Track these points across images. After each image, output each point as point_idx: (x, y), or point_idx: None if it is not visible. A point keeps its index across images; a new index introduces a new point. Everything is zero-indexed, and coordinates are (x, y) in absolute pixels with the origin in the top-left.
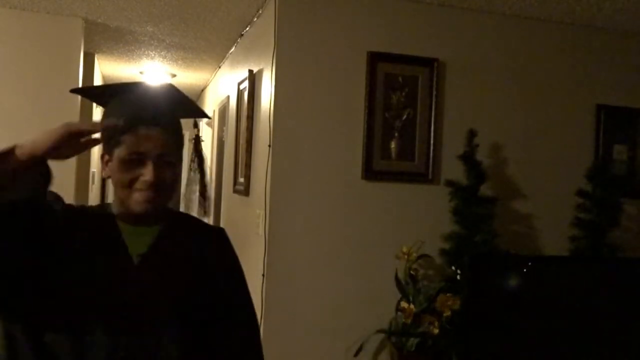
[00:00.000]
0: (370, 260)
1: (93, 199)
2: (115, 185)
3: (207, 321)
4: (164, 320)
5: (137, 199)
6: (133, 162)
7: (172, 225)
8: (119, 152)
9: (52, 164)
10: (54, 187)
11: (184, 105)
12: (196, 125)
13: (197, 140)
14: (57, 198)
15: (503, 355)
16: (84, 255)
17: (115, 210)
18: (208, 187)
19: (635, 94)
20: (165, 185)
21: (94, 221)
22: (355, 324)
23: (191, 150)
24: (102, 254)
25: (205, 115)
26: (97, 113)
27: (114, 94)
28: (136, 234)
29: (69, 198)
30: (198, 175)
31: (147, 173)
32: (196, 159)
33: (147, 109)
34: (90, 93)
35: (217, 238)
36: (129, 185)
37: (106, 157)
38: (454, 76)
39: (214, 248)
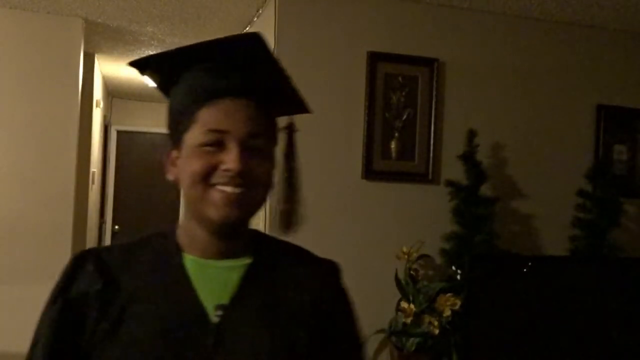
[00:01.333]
0: (370, 260)
1: (93, 199)
2: (186, 185)
3: None
4: None
5: (215, 199)
6: (209, 146)
7: (267, 258)
8: (192, 136)
9: (52, 164)
10: (54, 188)
11: (280, 81)
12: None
13: (290, 130)
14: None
15: (503, 355)
16: (139, 324)
17: (182, 236)
18: (299, 198)
19: (635, 94)
20: (255, 180)
21: (146, 266)
22: None
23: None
24: (163, 316)
25: (305, 109)
26: (98, 113)
27: (189, 62)
28: (213, 273)
29: (68, 198)
30: (287, 182)
31: (229, 159)
32: (287, 157)
33: (232, 72)
34: (153, 64)
35: (332, 280)
36: (204, 178)
37: (173, 153)
38: (454, 76)
39: (328, 298)
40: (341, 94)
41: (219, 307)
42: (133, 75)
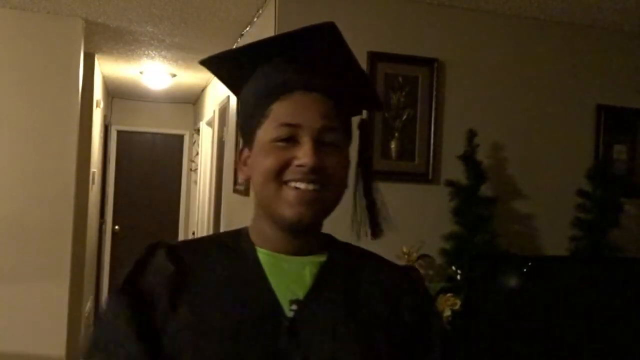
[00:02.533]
0: None
1: (93, 199)
2: (258, 182)
3: None
4: None
5: (289, 197)
6: (282, 141)
7: (342, 258)
8: (263, 132)
9: (52, 164)
10: (54, 188)
11: (355, 75)
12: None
13: (363, 128)
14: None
15: (503, 355)
16: (214, 318)
17: (254, 234)
18: (377, 202)
19: (635, 94)
20: (330, 178)
21: (219, 260)
22: None
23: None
24: (238, 310)
25: (377, 106)
26: (98, 113)
27: (260, 58)
28: (287, 268)
29: (68, 198)
30: (361, 182)
31: (303, 154)
32: (362, 156)
33: (305, 65)
34: (226, 62)
35: (408, 281)
36: (277, 175)
37: (245, 151)
38: (454, 76)
39: (403, 297)
40: None
41: (293, 301)
42: (133, 75)
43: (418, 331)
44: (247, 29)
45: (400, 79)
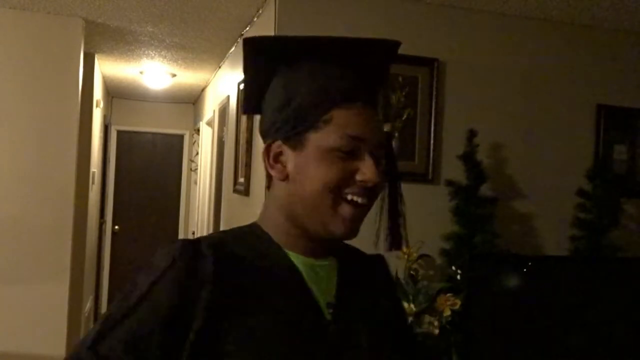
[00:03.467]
0: None
1: (93, 199)
2: (308, 191)
3: None
4: None
5: (344, 212)
6: (343, 152)
7: (343, 259)
8: (323, 137)
9: (52, 164)
10: (54, 188)
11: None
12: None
13: (390, 138)
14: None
15: (503, 355)
16: (257, 317)
17: (279, 234)
18: (402, 211)
19: (635, 93)
20: (378, 193)
21: (254, 256)
22: None
23: None
24: (285, 316)
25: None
26: (98, 113)
27: (307, 56)
28: (320, 272)
29: (68, 198)
30: (386, 191)
31: (367, 170)
32: (388, 167)
33: (365, 75)
34: (271, 49)
35: (384, 269)
36: (337, 188)
37: (284, 147)
38: (454, 76)
39: (385, 283)
40: None
41: (329, 305)
42: (133, 75)
43: (399, 313)
44: (247, 28)
45: (400, 78)
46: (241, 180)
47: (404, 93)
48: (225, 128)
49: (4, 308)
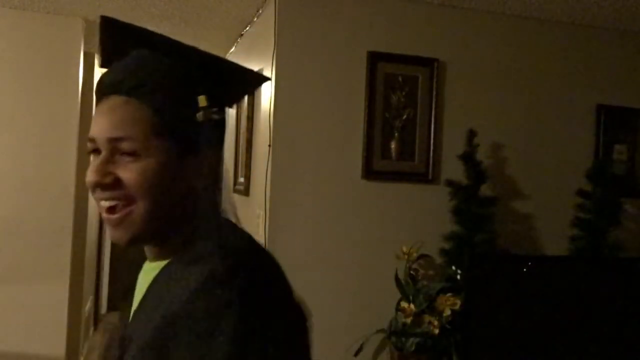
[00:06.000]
0: (370, 260)
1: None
2: None
3: None
4: None
5: (105, 219)
6: (93, 155)
7: (180, 259)
8: None
9: (52, 164)
10: (54, 188)
11: (171, 55)
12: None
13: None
14: None
15: (503, 355)
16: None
17: None
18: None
19: (635, 94)
20: (133, 191)
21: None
22: (355, 324)
23: None
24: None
25: (256, 79)
26: None
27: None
28: (143, 278)
29: (68, 198)
30: None
31: (89, 170)
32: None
33: (111, 67)
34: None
35: (198, 282)
36: (92, 192)
37: None
38: (454, 76)
39: (191, 303)
40: (341, 93)
41: (134, 311)
42: None
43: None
44: (247, 28)
45: (400, 78)
46: (241, 180)
47: (404, 93)
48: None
49: (4, 308)
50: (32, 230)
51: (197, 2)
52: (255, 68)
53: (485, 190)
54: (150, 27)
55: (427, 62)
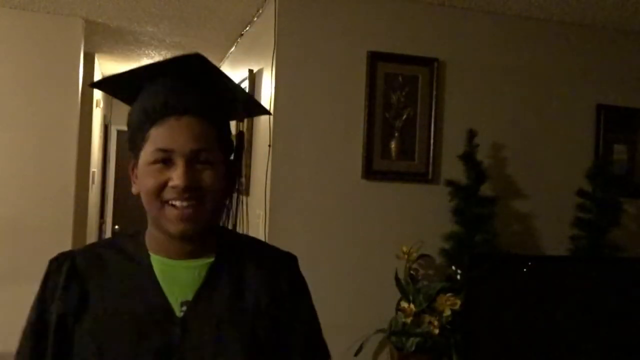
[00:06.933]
0: (370, 260)
1: (93, 199)
2: (144, 200)
3: None
4: None
5: (170, 214)
6: (160, 163)
7: (229, 256)
8: (144, 154)
9: (52, 164)
10: (54, 188)
11: (228, 91)
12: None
13: (240, 138)
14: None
15: (503, 355)
16: (113, 320)
17: (149, 239)
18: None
19: (635, 93)
20: (205, 193)
21: (117, 267)
22: (355, 324)
23: None
24: (134, 312)
25: (264, 111)
26: (98, 113)
27: (141, 82)
28: (181, 273)
29: (68, 198)
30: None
31: (176, 176)
32: (234, 162)
33: (178, 91)
34: (111, 84)
35: (288, 272)
36: (157, 195)
37: (133, 166)
38: (454, 76)
39: (283, 286)
40: (341, 93)
41: (183, 303)
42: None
43: (293, 313)
44: (247, 28)
45: (400, 78)
46: (241, 180)
47: (404, 93)
48: None
49: (4, 308)
50: (32, 230)
51: (197, 2)
52: (255, 68)
53: (485, 190)
54: (150, 27)
55: (427, 62)
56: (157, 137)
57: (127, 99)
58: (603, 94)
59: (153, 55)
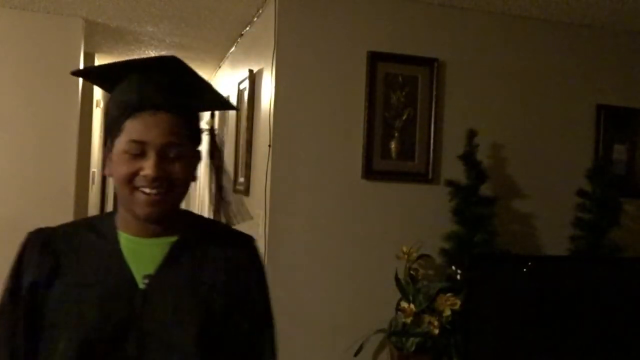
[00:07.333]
0: (370, 260)
1: (93, 199)
2: (116, 184)
3: (231, 351)
4: (180, 355)
5: (139, 199)
6: (133, 154)
7: (190, 235)
8: (119, 142)
9: (52, 164)
10: (54, 188)
11: (200, 90)
12: (213, 116)
13: (211, 132)
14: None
15: (503, 355)
16: (81, 290)
17: (119, 219)
18: (225, 189)
19: (635, 94)
20: (173, 182)
21: (87, 243)
22: (355, 324)
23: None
24: (101, 283)
25: (232, 107)
26: (98, 113)
27: (121, 75)
28: (145, 250)
29: (68, 198)
30: (213, 175)
31: (147, 166)
32: (212, 156)
33: (153, 88)
34: (93, 75)
35: (246, 249)
36: (129, 181)
37: (108, 151)
38: (454, 76)
39: (240, 263)
40: (341, 93)
41: (145, 276)
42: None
43: (248, 289)
44: (247, 28)
45: (400, 78)
46: (241, 180)
47: (404, 93)
48: (225, 128)
49: None
50: None
51: (197, 2)
52: (255, 68)
53: (485, 190)
54: (150, 27)
55: (427, 62)
56: (132, 130)
57: (107, 89)
58: (603, 94)
59: (153, 55)
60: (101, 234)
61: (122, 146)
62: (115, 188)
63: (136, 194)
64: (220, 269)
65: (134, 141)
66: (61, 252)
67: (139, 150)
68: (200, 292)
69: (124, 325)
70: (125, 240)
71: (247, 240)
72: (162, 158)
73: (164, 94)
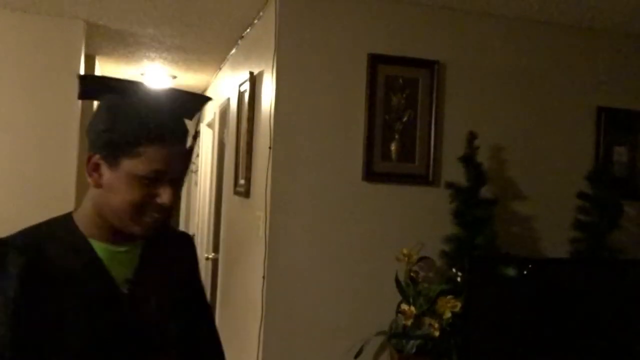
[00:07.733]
0: (371, 262)
1: None
2: (115, 203)
3: (194, 337)
4: (167, 349)
5: (145, 223)
6: (149, 180)
7: (153, 239)
8: (134, 165)
9: (53, 165)
10: (55, 190)
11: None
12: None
13: (195, 137)
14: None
15: (504, 357)
16: (65, 302)
17: (83, 226)
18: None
19: (636, 96)
20: (173, 207)
21: (61, 251)
22: (356, 326)
23: None
24: (84, 293)
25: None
26: None
27: (111, 90)
28: (122, 256)
29: (69, 198)
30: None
31: (165, 195)
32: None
33: (174, 117)
34: (86, 81)
35: (190, 246)
36: (140, 206)
37: (101, 162)
38: (454, 78)
39: (189, 258)
40: (342, 95)
41: (126, 281)
42: (134, 77)
43: (196, 281)
44: (248, 30)
45: (400, 80)
46: (242, 182)
47: (404, 95)
48: (225, 130)
49: None
50: None
51: (198, 4)
52: (256, 70)
53: (485, 192)
54: (151, 30)
55: (427, 64)
56: (155, 158)
57: (92, 94)
58: (603, 96)
59: (154, 57)
60: (72, 246)
61: (138, 170)
62: (98, 196)
63: (143, 218)
64: (181, 266)
65: (157, 170)
66: (38, 280)
67: (155, 178)
68: (172, 288)
69: (114, 331)
70: (101, 249)
71: (189, 238)
72: (174, 186)
73: (182, 123)
